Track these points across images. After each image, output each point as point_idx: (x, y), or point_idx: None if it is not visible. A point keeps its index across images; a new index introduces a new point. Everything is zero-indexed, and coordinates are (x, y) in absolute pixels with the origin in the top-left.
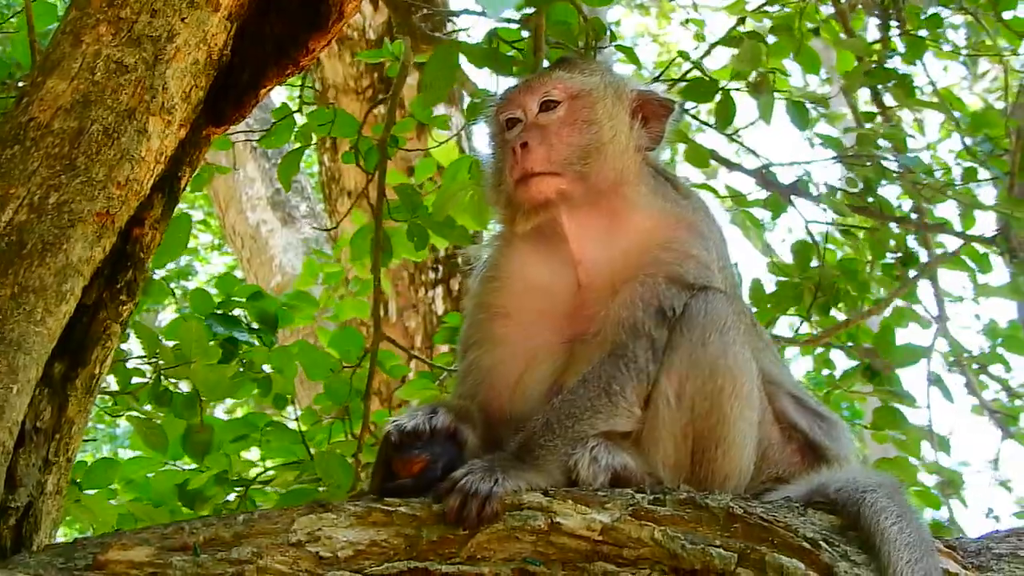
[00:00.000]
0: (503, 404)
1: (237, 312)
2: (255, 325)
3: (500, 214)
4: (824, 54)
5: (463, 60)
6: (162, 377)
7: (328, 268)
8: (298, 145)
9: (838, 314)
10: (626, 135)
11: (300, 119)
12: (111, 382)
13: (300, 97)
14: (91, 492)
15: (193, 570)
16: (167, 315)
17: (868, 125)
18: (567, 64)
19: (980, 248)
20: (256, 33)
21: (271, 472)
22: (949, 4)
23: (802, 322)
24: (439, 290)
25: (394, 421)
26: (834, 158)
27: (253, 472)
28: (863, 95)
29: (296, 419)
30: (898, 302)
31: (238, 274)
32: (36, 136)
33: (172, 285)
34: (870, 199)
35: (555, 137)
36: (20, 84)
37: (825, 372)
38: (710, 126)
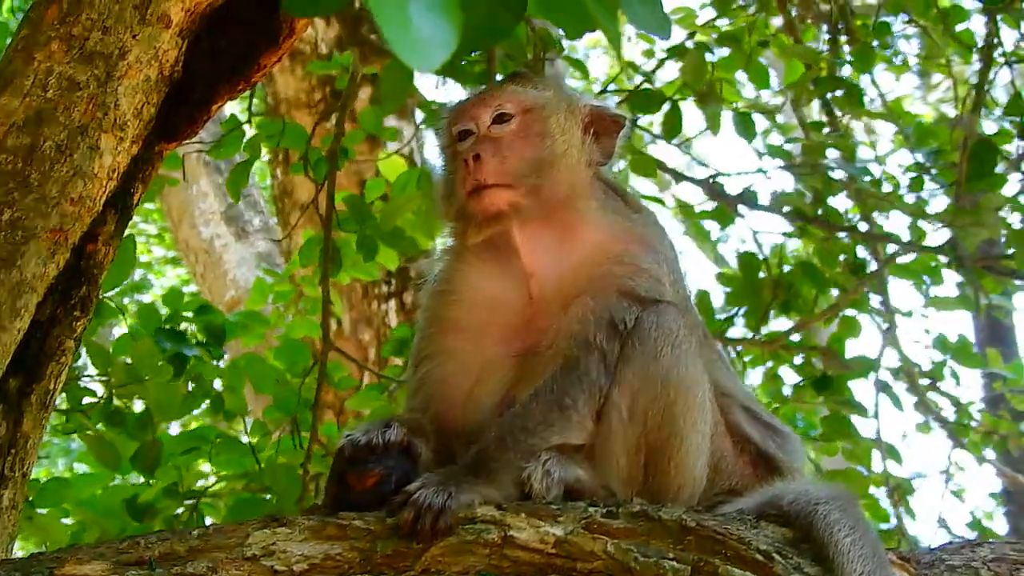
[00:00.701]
0: (456, 417)
1: (184, 327)
2: (203, 339)
3: (451, 227)
4: (777, 67)
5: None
6: (114, 396)
7: (278, 287)
8: (247, 157)
9: (788, 322)
10: (578, 149)
11: (250, 131)
12: (62, 399)
13: (249, 108)
14: (43, 511)
15: None
16: (121, 329)
17: (816, 138)
18: (520, 78)
19: (931, 262)
20: (207, 49)
21: (221, 484)
22: (898, 13)
23: (755, 335)
24: (392, 303)
25: (347, 435)
26: (781, 167)
27: (202, 484)
28: (814, 107)
29: (246, 432)
30: (848, 312)
31: (192, 288)
32: None
33: (126, 300)
34: (819, 210)
35: (508, 150)
36: None
37: (773, 390)
38: (658, 137)
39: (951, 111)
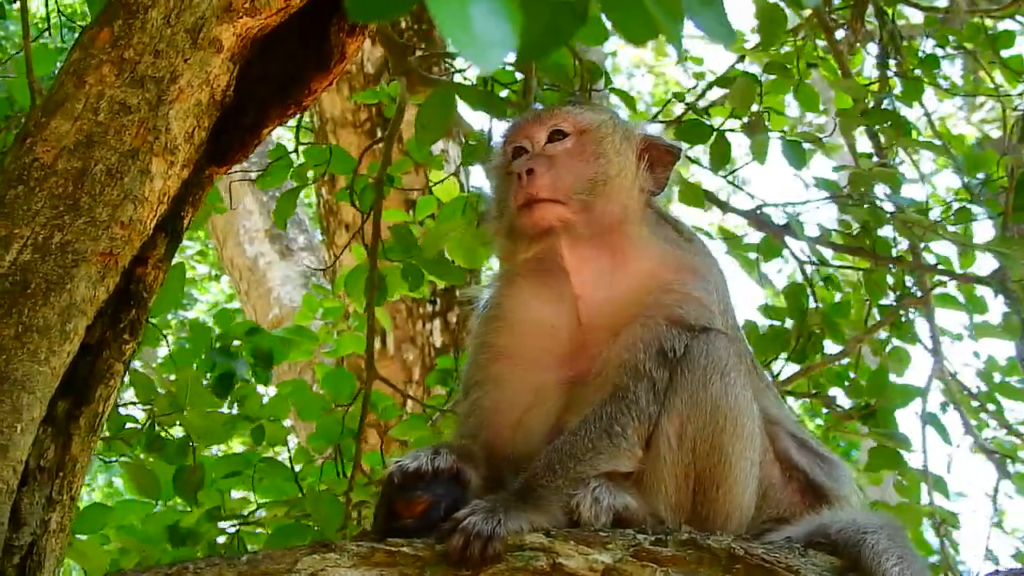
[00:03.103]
0: (505, 444)
1: (235, 344)
2: (250, 362)
3: (501, 246)
4: (820, 85)
5: (459, 102)
6: (155, 423)
7: (327, 303)
8: (295, 184)
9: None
10: (632, 173)
11: (297, 158)
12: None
13: (296, 137)
14: (83, 537)
15: None
16: (164, 348)
17: (864, 168)
18: (575, 102)
19: (977, 289)
20: (258, 74)
21: (262, 511)
22: (946, 44)
23: (783, 367)
24: (437, 323)
25: (397, 462)
26: (828, 199)
27: (245, 510)
28: (859, 131)
29: (289, 456)
30: (895, 342)
31: (235, 304)
32: (40, 176)
33: (169, 316)
34: (867, 241)
35: (562, 166)
36: (21, 119)
37: (826, 410)
38: (704, 166)
39: (995, 132)
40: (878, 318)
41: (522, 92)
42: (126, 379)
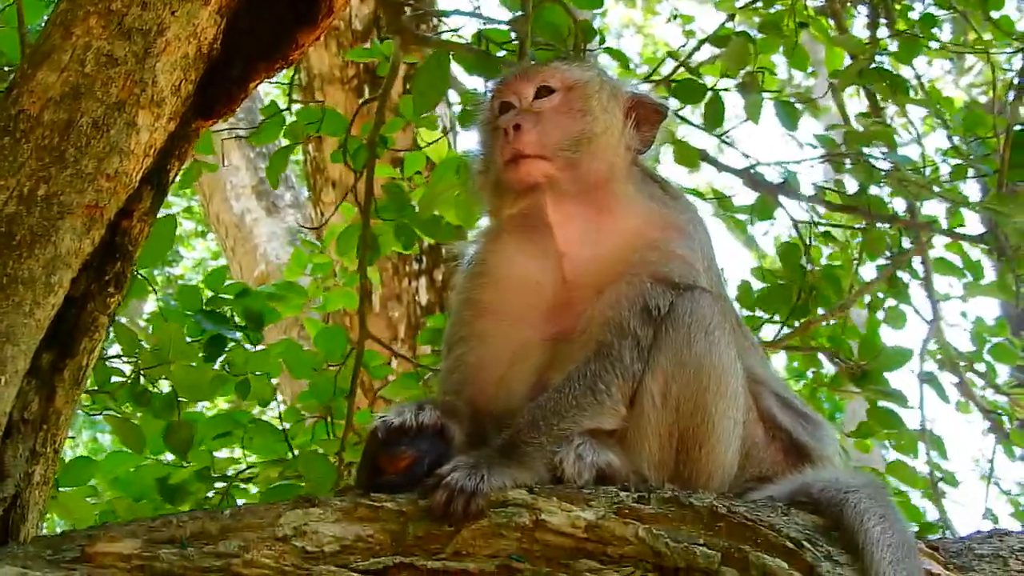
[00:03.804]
0: (488, 400)
1: (225, 309)
2: (242, 323)
3: (487, 201)
4: (810, 46)
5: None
6: (141, 377)
7: (316, 259)
8: (287, 142)
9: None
10: (619, 131)
11: (288, 116)
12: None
13: (289, 94)
14: (67, 489)
15: (180, 563)
16: (151, 305)
17: (860, 127)
18: (564, 58)
19: (969, 250)
20: (246, 28)
21: (254, 469)
22: (941, 4)
23: (782, 327)
24: (423, 280)
25: (381, 417)
26: (822, 158)
27: (235, 469)
28: (849, 90)
29: (279, 416)
30: (890, 302)
31: (221, 262)
32: (26, 128)
33: (156, 272)
34: (863, 199)
35: (548, 123)
36: (9, 73)
37: (811, 371)
38: (699, 127)
39: (983, 97)
40: (865, 275)
41: (518, 53)
42: (111, 332)
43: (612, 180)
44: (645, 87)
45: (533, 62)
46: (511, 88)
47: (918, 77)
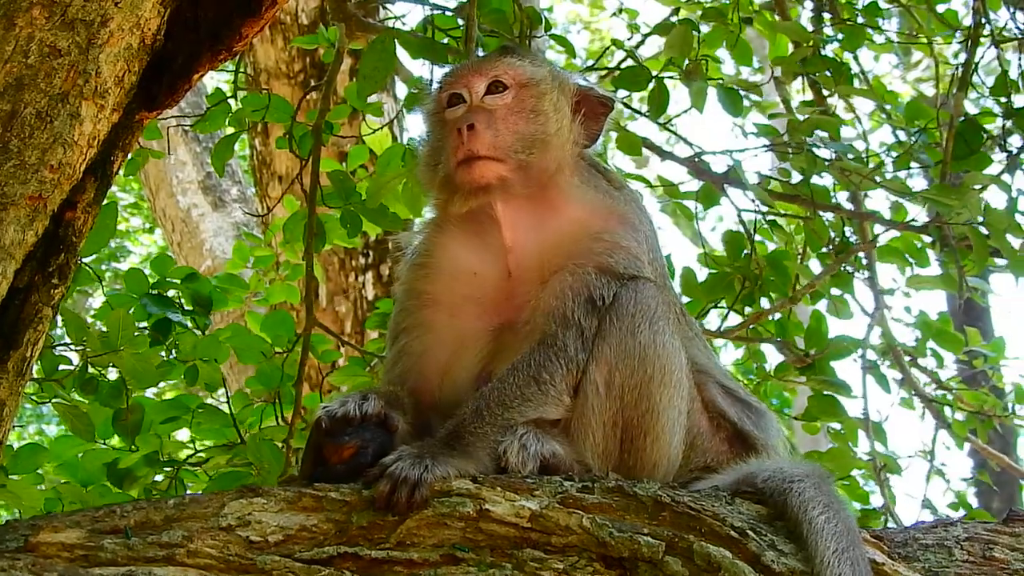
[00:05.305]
0: (433, 390)
1: (171, 293)
2: (188, 307)
3: (435, 196)
4: (756, 43)
5: (399, 49)
6: (89, 365)
7: (259, 252)
8: (232, 130)
9: (765, 303)
10: (568, 129)
11: (234, 104)
12: (36, 368)
13: (234, 82)
14: (16, 477)
15: (124, 553)
16: (99, 299)
17: (802, 117)
18: (514, 52)
19: (917, 241)
20: (189, 19)
21: (202, 454)
22: None
23: (728, 313)
24: (369, 275)
25: (325, 407)
26: (766, 146)
27: (184, 454)
28: (796, 86)
29: (227, 401)
30: (834, 292)
31: (172, 258)
32: None
33: (103, 267)
34: (806, 189)
35: (502, 123)
36: None
37: (756, 365)
38: (643, 114)
39: (930, 90)
40: (813, 267)
41: (464, 39)
42: (58, 321)
43: (559, 175)
44: (591, 79)
45: (484, 54)
46: (462, 81)
47: (863, 72)
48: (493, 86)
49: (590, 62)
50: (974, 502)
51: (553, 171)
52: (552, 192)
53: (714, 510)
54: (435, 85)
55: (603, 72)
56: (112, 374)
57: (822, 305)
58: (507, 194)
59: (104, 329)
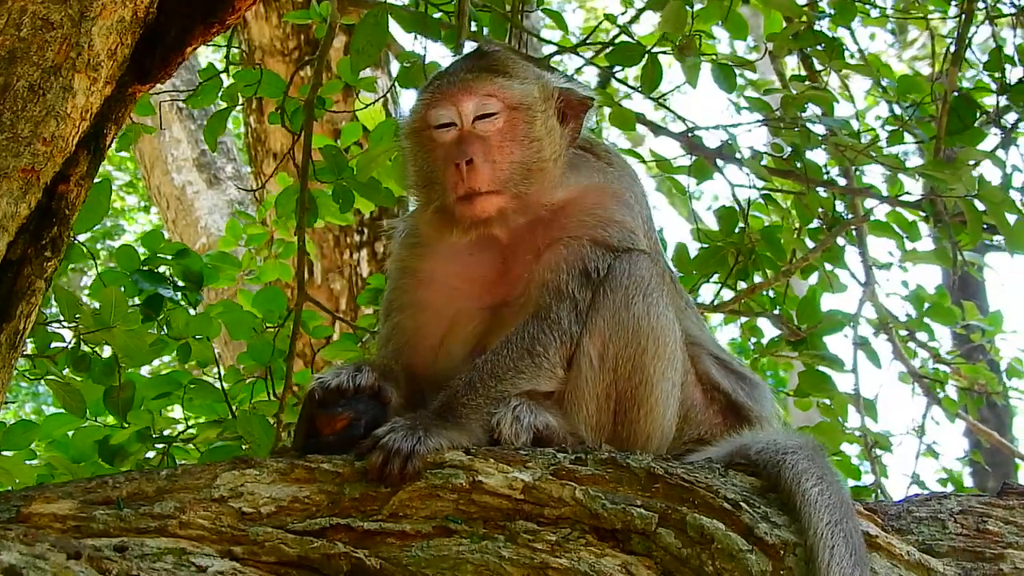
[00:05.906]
0: (426, 365)
1: (162, 269)
2: (180, 283)
3: (430, 221)
4: (752, 21)
5: (392, 23)
6: (82, 342)
7: (251, 230)
8: (225, 105)
9: (758, 278)
10: (559, 145)
11: (226, 79)
12: (29, 345)
13: (227, 57)
14: (9, 453)
15: (116, 524)
16: (93, 276)
17: (795, 91)
18: (499, 69)
19: (908, 215)
20: None
21: (193, 430)
22: None
23: (721, 288)
24: (364, 253)
25: (318, 378)
26: (760, 122)
27: (175, 430)
28: (790, 63)
29: (219, 377)
30: (827, 267)
31: (164, 235)
32: None
33: (98, 245)
34: (798, 164)
35: (497, 152)
36: None
37: (752, 341)
38: (636, 90)
39: (925, 69)
40: (807, 242)
41: (456, 13)
42: (51, 297)
43: (551, 180)
44: (571, 82)
45: (468, 68)
46: (449, 103)
47: (860, 50)
48: (484, 113)
49: (583, 37)
50: (969, 482)
51: (547, 187)
52: (544, 195)
53: (707, 482)
54: (418, 100)
55: (600, 44)
56: (105, 351)
57: (814, 279)
58: (505, 224)
59: (97, 306)
